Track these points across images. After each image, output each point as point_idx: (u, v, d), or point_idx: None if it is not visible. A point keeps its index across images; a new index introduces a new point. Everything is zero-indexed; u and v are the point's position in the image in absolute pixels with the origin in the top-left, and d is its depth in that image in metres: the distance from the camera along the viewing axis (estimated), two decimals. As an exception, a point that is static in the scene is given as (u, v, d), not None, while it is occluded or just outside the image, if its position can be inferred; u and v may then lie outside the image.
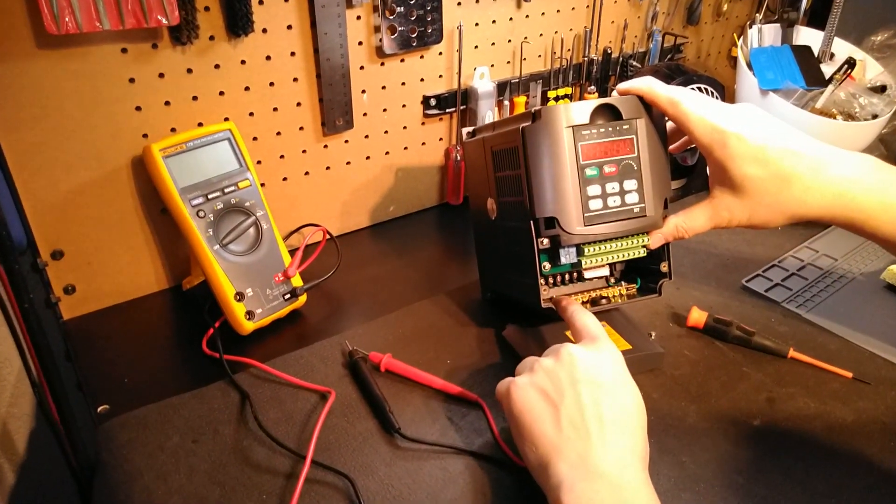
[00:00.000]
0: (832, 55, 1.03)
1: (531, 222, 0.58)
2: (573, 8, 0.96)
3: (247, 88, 0.74)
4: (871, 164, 0.52)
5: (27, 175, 0.65)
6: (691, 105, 0.55)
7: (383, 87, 0.84)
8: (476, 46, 0.90)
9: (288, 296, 0.71)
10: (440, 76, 0.89)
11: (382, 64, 0.83)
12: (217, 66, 0.71)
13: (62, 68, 0.63)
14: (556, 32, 0.96)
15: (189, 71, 0.69)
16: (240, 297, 0.68)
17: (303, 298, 0.73)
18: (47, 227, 0.68)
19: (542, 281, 0.60)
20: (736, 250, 0.84)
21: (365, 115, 0.85)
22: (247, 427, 0.58)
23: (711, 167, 0.56)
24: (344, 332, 0.70)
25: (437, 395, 0.61)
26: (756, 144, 0.53)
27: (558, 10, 0.95)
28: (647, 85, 0.57)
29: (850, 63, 0.96)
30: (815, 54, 1.01)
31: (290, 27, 0.73)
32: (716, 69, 1.24)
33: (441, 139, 0.94)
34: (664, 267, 0.62)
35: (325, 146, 0.83)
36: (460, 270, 0.82)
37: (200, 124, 0.73)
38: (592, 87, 1.01)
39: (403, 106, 0.88)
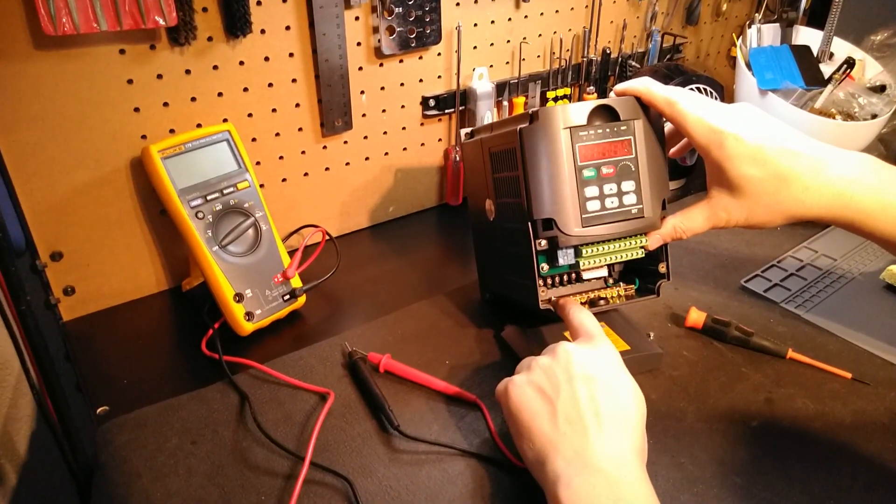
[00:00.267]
0: (831, 55, 1.03)
1: (529, 224, 0.58)
2: (572, 8, 0.96)
3: (245, 89, 0.74)
4: (870, 164, 0.52)
5: (25, 176, 0.65)
6: (688, 105, 0.55)
7: (382, 88, 0.84)
8: (475, 47, 0.90)
9: (287, 297, 0.71)
10: (439, 77, 0.89)
11: (381, 65, 0.83)
12: (215, 67, 0.71)
13: (60, 69, 0.63)
14: (554, 33, 0.96)
15: (187, 72, 0.69)
16: (239, 298, 0.68)
17: (302, 299, 0.73)
18: (46, 228, 0.68)
19: (540, 282, 0.60)
20: (735, 250, 0.84)
21: (364, 115, 0.85)
22: (246, 428, 0.58)
23: (709, 168, 0.56)
24: (343, 333, 0.70)
25: (436, 395, 0.61)
26: (754, 144, 0.53)
27: (557, 11, 0.95)
28: (645, 86, 0.57)
29: (850, 63, 0.96)
30: (815, 54, 1.01)
31: (288, 28, 0.73)
32: (715, 69, 1.24)
33: (440, 140, 0.94)
34: (662, 268, 0.62)
35: (324, 147, 0.83)
36: (459, 271, 0.82)
37: (199, 125, 0.73)
38: (591, 87, 1.01)
39: (402, 107, 0.88)
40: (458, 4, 0.85)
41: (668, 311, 0.72)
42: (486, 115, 0.91)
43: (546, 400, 0.49)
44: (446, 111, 0.91)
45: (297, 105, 0.78)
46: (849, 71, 0.96)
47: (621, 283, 0.65)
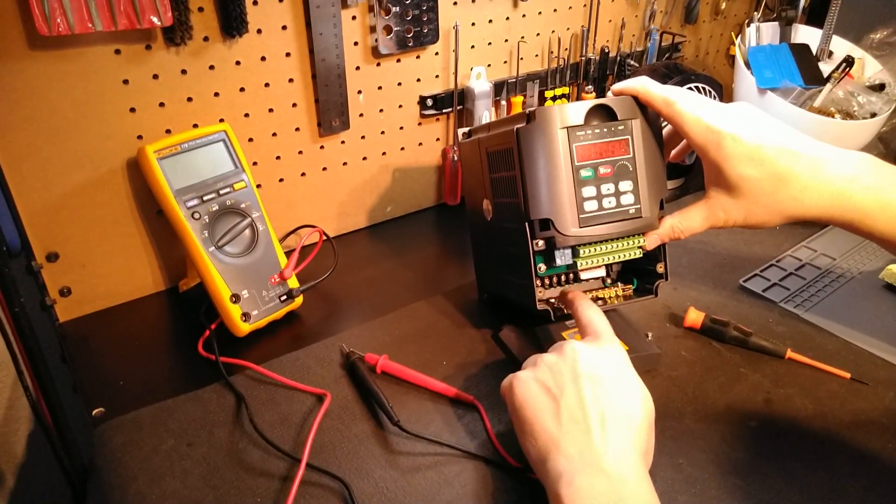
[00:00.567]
0: (831, 53, 1.03)
1: (526, 224, 0.57)
2: (570, 7, 0.95)
3: (242, 89, 0.74)
4: (868, 163, 0.52)
5: (21, 177, 0.65)
6: (686, 105, 0.54)
7: (379, 88, 0.84)
8: (473, 46, 0.89)
9: (284, 297, 0.71)
10: (437, 76, 0.88)
11: (378, 64, 0.83)
12: (212, 67, 0.71)
13: (55, 69, 0.62)
14: (553, 32, 0.96)
15: (183, 72, 0.69)
16: (235, 298, 0.67)
17: (299, 300, 0.73)
18: (42, 229, 0.68)
19: (537, 282, 0.60)
20: (733, 250, 0.84)
21: (361, 115, 0.84)
22: (242, 430, 0.58)
23: (707, 168, 0.56)
24: (340, 334, 0.69)
25: (434, 396, 0.61)
26: (752, 144, 0.52)
27: (555, 10, 0.94)
28: (642, 85, 0.56)
29: (849, 61, 0.96)
30: (814, 52, 1.01)
31: (284, 28, 0.73)
32: (714, 68, 1.24)
33: (438, 139, 0.93)
34: (660, 268, 0.62)
35: (322, 147, 0.83)
36: (457, 271, 0.82)
37: (195, 125, 0.72)
38: (590, 86, 1.01)
39: (400, 106, 0.87)
40: (455, 3, 0.84)
41: (667, 310, 0.72)
42: (484, 114, 0.90)
43: (551, 397, 0.49)
44: (444, 111, 0.91)
45: (294, 105, 0.78)
46: (848, 69, 0.96)
47: (619, 284, 0.65)
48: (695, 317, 0.68)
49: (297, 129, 0.80)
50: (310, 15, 0.73)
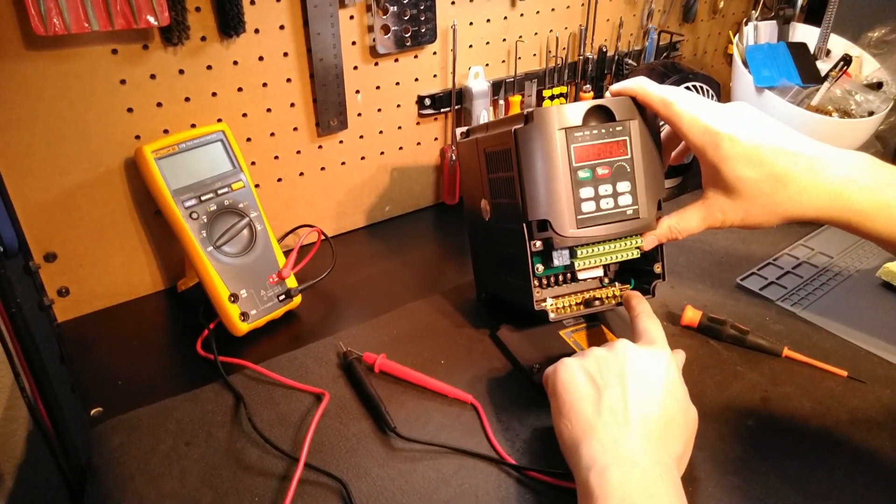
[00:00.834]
0: (828, 52, 1.03)
1: (524, 225, 0.57)
2: (568, 6, 0.95)
3: (240, 89, 0.74)
4: (866, 163, 0.52)
5: (18, 177, 0.65)
6: (684, 105, 0.54)
7: (377, 87, 0.84)
8: (470, 45, 0.89)
9: (282, 297, 0.71)
10: (434, 76, 0.88)
11: (376, 64, 0.83)
12: (209, 67, 0.71)
13: (52, 70, 0.62)
14: (550, 31, 0.96)
15: (181, 72, 0.69)
16: (234, 298, 0.67)
17: (297, 299, 0.73)
18: (39, 229, 0.68)
19: (535, 283, 0.60)
20: (731, 248, 0.84)
21: (359, 115, 0.84)
22: (240, 429, 0.58)
23: (704, 168, 0.56)
24: (338, 333, 0.69)
25: (431, 395, 0.61)
26: (749, 145, 0.52)
27: (553, 9, 0.94)
28: (640, 85, 0.56)
29: (846, 60, 0.96)
30: (812, 51, 1.01)
31: (282, 27, 0.73)
32: (712, 67, 1.24)
33: (436, 139, 0.93)
34: (658, 268, 0.62)
35: (320, 147, 0.83)
36: (455, 271, 0.82)
37: (193, 125, 0.72)
38: (588, 85, 1.01)
39: (398, 106, 0.87)
40: (453, 3, 0.84)
41: (664, 309, 0.72)
42: (482, 113, 0.90)
43: (594, 387, 0.49)
44: (442, 110, 0.91)
45: (292, 105, 0.78)
46: (845, 68, 0.96)
47: (617, 283, 0.65)
48: (692, 315, 0.68)
49: (295, 129, 0.80)
50: (307, 14, 0.73)
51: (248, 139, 0.77)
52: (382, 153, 0.89)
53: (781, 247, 0.84)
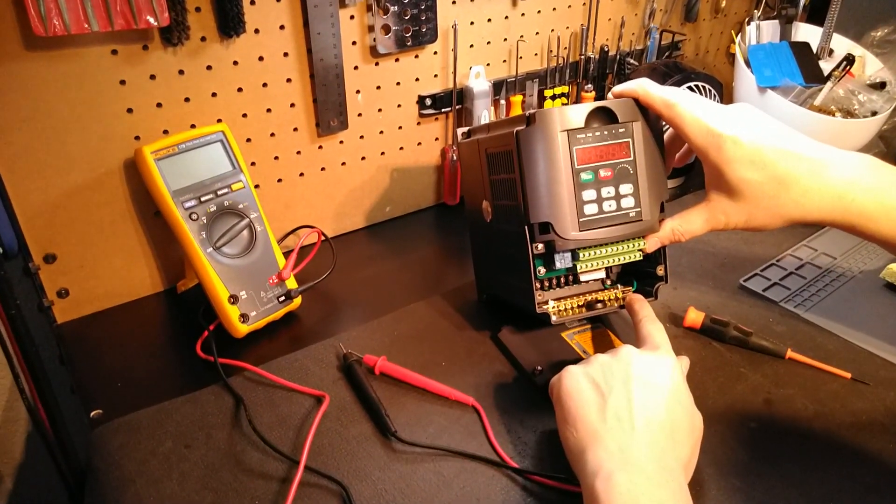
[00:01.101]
0: (831, 51, 1.03)
1: (525, 227, 0.57)
2: (569, 6, 0.95)
3: (240, 89, 0.73)
4: (869, 165, 0.52)
5: (17, 178, 0.64)
6: (686, 107, 0.54)
7: (378, 87, 0.84)
8: (471, 45, 0.89)
9: (282, 298, 0.71)
10: (435, 76, 0.88)
11: (377, 64, 0.82)
12: (209, 68, 0.70)
13: (51, 70, 0.62)
14: (552, 30, 0.95)
15: (181, 72, 0.69)
16: (234, 299, 0.67)
17: (297, 301, 0.72)
18: (39, 230, 0.68)
19: (536, 285, 0.59)
20: (734, 249, 0.83)
21: (360, 115, 0.84)
22: (240, 431, 0.58)
23: (707, 170, 0.55)
24: (339, 335, 0.69)
25: (432, 397, 0.61)
26: (752, 147, 0.52)
27: (554, 8, 0.94)
28: (642, 87, 0.56)
29: (849, 59, 0.95)
30: (814, 51, 1.01)
31: (282, 27, 0.73)
32: (714, 66, 1.24)
33: (437, 139, 0.93)
34: (660, 270, 0.62)
35: (320, 147, 0.83)
36: (456, 271, 0.82)
37: (193, 126, 0.72)
38: (589, 85, 1.00)
39: (399, 106, 0.87)
40: (454, 2, 0.84)
41: (667, 310, 0.72)
42: (483, 113, 0.90)
43: (598, 393, 0.49)
44: (443, 110, 0.90)
45: (293, 105, 0.78)
46: (848, 68, 0.95)
47: (619, 285, 0.64)
48: (695, 317, 0.68)
49: (296, 130, 0.80)
50: (307, 14, 0.73)
51: (248, 140, 0.77)
52: (383, 153, 0.89)
53: (784, 248, 0.83)
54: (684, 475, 0.46)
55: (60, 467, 0.58)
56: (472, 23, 0.87)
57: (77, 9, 0.58)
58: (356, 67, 0.81)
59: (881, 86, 0.96)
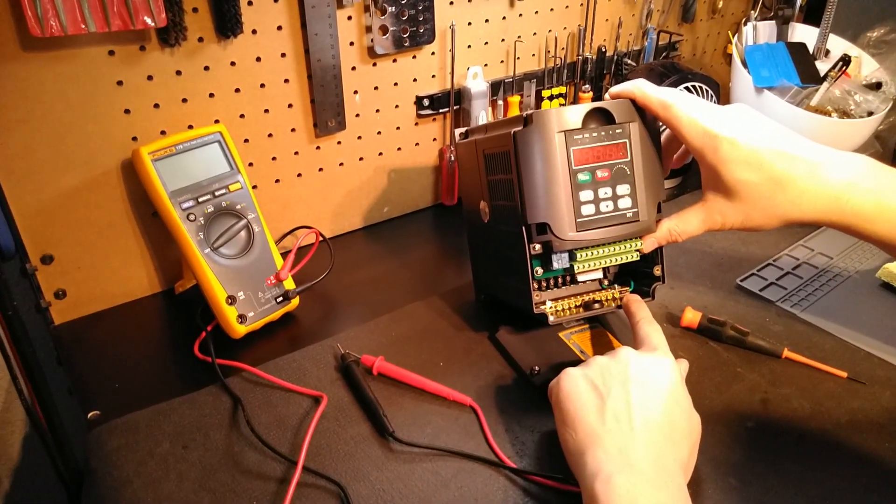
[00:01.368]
0: (827, 52, 1.03)
1: (523, 228, 0.57)
2: (567, 6, 0.95)
3: (237, 90, 0.73)
4: (866, 166, 0.52)
5: (14, 179, 0.64)
6: (683, 108, 0.54)
7: (376, 88, 0.84)
8: (469, 46, 0.89)
9: (280, 299, 0.71)
10: (433, 76, 0.88)
11: (374, 64, 0.82)
12: (206, 68, 0.70)
13: (49, 71, 0.62)
14: (549, 31, 0.95)
15: (178, 73, 0.69)
16: (231, 300, 0.67)
17: (295, 301, 0.72)
18: (36, 231, 0.67)
19: (534, 285, 0.59)
20: (730, 249, 0.84)
21: (357, 115, 0.84)
22: (238, 432, 0.58)
23: (704, 171, 0.56)
24: (337, 335, 0.69)
25: (430, 398, 0.61)
26: (749, 149, 0.52)
27: (552, 9, 0.94)
28: (639, 88, 0.56)
29: (845, 60, 0.96)
30: (811, 51, 1.01)
31: (280, 28, 0.73)
32: (711, 67, 1.24)
33: (435, 139, 0.93)
34: (657, 270, 0.62)
35: (318, 147, 0.83)
36: (454, 272, 0.82)
37: (190, 126, 0.72)
38: (587, 85, 1.00)
39: (396, 106, 0.87)
40: (451, 3, 0.84)
41: (664, 310, 0.72)
42: (481, 114, 0.90)
43: (597, 394, 0.49)
44: (441, 110, 0.90)
45: (290, 105, 0.78)
46: (844, 68, 0.96)
47: (616, 286, 0.65)
48: (692, 316, 0.68)
49: (293, 130, 0.80)
50: (305, 15, 0.73)
51: (246, 140, 0.77)
52: (381, 154, 0.89)
53: (781, 248, 0.83)
54: (683, 476, 0.46)
55: (58, 468, 0.58)
56: (469, 23, 0.87)
57: (74, 9, 0.58)
58: (354, 68, 0.81)
59: (877, 86, 0.96)
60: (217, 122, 0.73)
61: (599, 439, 0.46)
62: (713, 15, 1.16)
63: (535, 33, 0.94)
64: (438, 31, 0.84)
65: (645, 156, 0.57)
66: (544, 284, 0.63)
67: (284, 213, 0.84)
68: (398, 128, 0.89)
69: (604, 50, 1.01)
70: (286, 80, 0.76)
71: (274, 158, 0.80)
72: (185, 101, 0.71)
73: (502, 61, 0.94)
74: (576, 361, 0.55)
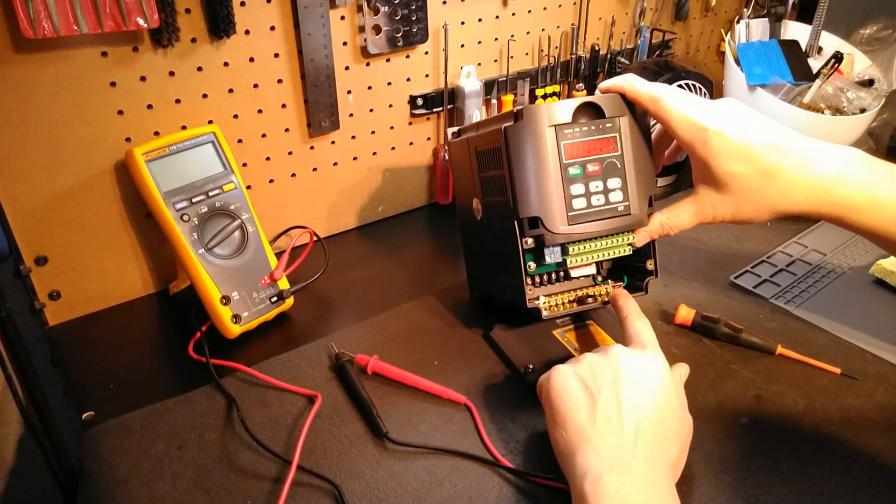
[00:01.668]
0: (820, 49, 1.03)
1: (515, 222, 0.57)
2: (560, 5, 0.95)
3: (230, 90, 0.73)
4: (856, 158, 0.52)
5: (8, 181, 0.64)
6: (672, 102, 0.55)
7: (369, 88, 0.84)
8: (462, 45, 0.89)
9: (275, 299, 0.71)
10: (426, 76, 0.88)
11: (368, 64, 0.82)
12: (200, 69, 0.70)
13: (41, 72, 0.62)
14: (543, 30, 0.96)
15: (171, 74, 0.69)
16: (226, 300, 0.67)
17: (290, 301, 0.72)
18: (30, 232, 0.67)
19: (527, 281, 0.60)
20: (724, 246, 0.84)
21: (351, 115, 0.84)
22: (233, 432, 0.58)
23: (694, 164, 0.56)
24: (331, 335, 0.69)
25: (425, 396, 0.61)
26: (739, 141, 0.52)
27: (545, 8, 0.94)
28: (629, 82, 0.56)
29: (838, 57, 0.96)
30: (803, 49, 1.01)
31: (273, 28, 0.73)
32: (704, 65, 1.24)
33: (429, 139, 0.93)
34: (650, 265, 0.62)
35: (312, 147, 0.83)
36: (449, 271, 0.82)
37: (184, 127, 0.72)
38: (581, 84, 1.01)
39: (390, 106, 0.87)
40: (444, 3, 0.84)
41: (658, 308, 0.72)
42: (475, 113, 0.90)
43: (588, 393, 0.49)
44: (434, 110, 0.90)
45: (284, 106, 0.78)
46: (837, 65, 0.96)
47: (609, 281, 0.65)
48: (686, 314, 0.68)
49: (287, 130, 0.80)
50: (298, 15, 0.73)
51: (240, 140, 0.77)
52: (375, 153, 0.89)
53: (775, 244, 0.84)
54: (672, 475, 0.46)
55: (53, 469, 0.58)
56: (462, 23, 0.87)
57: (66, 11, 0.58)
58: (347, 68, 0.81)
59: (869, 83, 0.97)
60: (210, 122, 0.73)
61: (590, 439, 0.46)
62: (706, 13, 1.17)
63: (528, 32, 0.95)
64: (432, 30, 0.85)
65: (635, 150, 0.57)
66: (538, 280, 0.63)
67: (279, 213, 0.84)
68: (392, 127, 0.89)
69: (597, 48, 1.01)
70: (279, 81, 0.76)
71: (268, 158, 0.80)
72: (178, 101, 0.71)
73: (496, 60, 0.94)
74: (569, 359, 0.55)
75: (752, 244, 0.84)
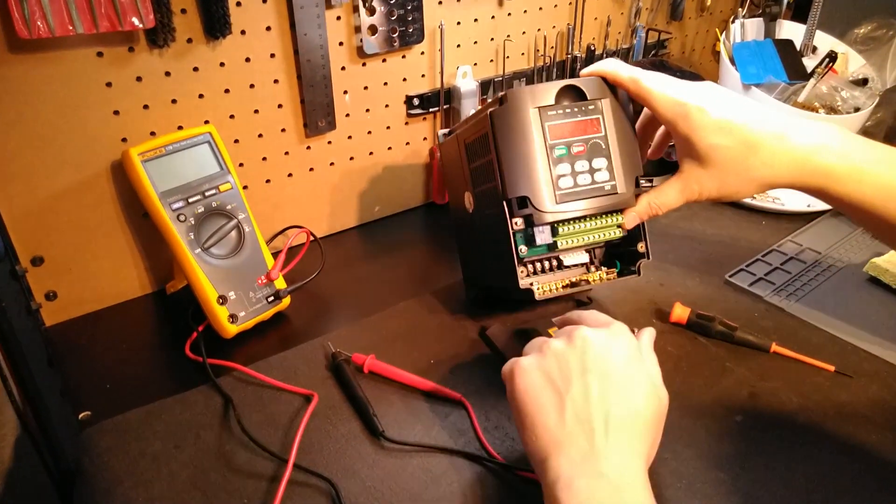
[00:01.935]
0: (815, 48, 1.04)
1: (504, 203, 0.58)
2: (556, 5, 0.96)
3: (227, 91, 0.74)
4: (835, 131, 0.53)
5: (4, 181, 0.64)
6: (653, 83, 0.56)
7: (365, 88, 0.84)
8: (458, 45, 0.89)
9: (271, 298, 0.71)
10: (423, 76, 0.88)
11: (364, 64, 0.83)
12: (196, 69, 0.70)
13: (37, 73, 0.62)
14: (538, 30, 0.96)
15: (167, 74, 0.69)
16: (222, 300, 0.67)
17: (286, 301, 0.73)
18: (26, 233, 0.67)
19: (520, 267, 0.60)
20: (719, 245, 0.84)
21: (347, 115, 0.84)
22: (229, 431, 0.58)
23: (677, 141, 0.56)
24: (328, 334, 0.69)
25: (421, 395, 0.61)
26: (719, 116, 0.53)
27: (541, 8, 0.94)
28: (611, 66, 0.57)
29: (832, 56, 0.96)
30: (798, 48, 1.02)
31: (269, 28, 0.73)
32: (700, 64, 1.24)
33: (425, 139, 0.93)
34: (641, 247, 0.62)
35: (308, 147, 0.83)
36: (445, 270, 0.82)
37: (180, 127, 0.72)
38: (576, 84, 1.01)
39: (386, 106, 0.87)
40: (440, 3, 0.85)
41: (653, 306, 0.72)
42: (471, 113, 0.90)
43: (555, 391, 0.46)
44: (431, 110, 0.91)
45: (280, 106, 0.78)
46: (831, 64, 0.96)
47: (603, 268, 0.65)
48: (681, 312, 0.69)
49: (283, 130, 0.80)
50: (294, 16, 0.73)
51: (236, 141, 0.77)
52: (371, 153, 0.89)
53: (770, 243, 0.84)
54: (645, 467, 0.45)
55: (49, 469, 0.58)
56: (458, 23, 0.88)
57: (61, 11, 0.58)
58: (343, 68, 0.81)
59: (863, 82, 0.97)
60: (207, 122, 0.73)
61: (561, 444, 0.45)
62: (701, 13, 1.17)
63: (524, 32, 0.95)
64: (428, 30, 0.85)
65: (619, 131, 0.58)
66: (531, 269, 0.63)
67: (275, 213, 0.84)
68: (388, 127, 0.89)
69: (593, 48, 1.01)
70: (276, 81, 0.76)
71: (264, 159, 0.80)
72: (174, 101, 0.71)
73: (492, 60, 0.94)
74: (532, 341, 0.52)
75: (747, 243, 0.84)
